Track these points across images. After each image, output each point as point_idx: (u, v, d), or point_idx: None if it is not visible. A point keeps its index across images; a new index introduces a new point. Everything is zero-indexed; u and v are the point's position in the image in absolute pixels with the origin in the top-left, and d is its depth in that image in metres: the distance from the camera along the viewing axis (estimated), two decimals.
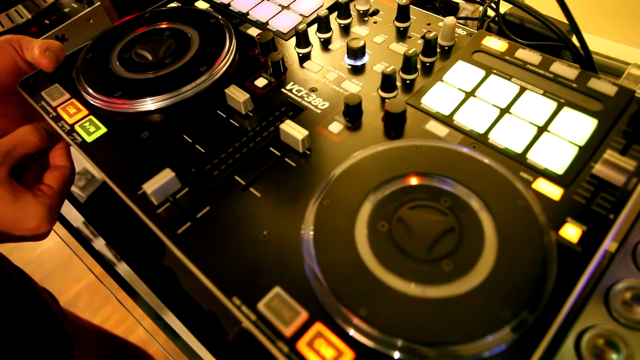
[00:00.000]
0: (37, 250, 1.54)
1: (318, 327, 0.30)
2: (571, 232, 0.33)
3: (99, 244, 0.61)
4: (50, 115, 0.46)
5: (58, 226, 0.64)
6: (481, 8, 0.60)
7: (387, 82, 0.44)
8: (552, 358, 0.29)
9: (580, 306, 0.31)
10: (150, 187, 0.37)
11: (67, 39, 0.66)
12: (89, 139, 0.43)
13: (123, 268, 0.57)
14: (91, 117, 0.45)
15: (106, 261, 0.59)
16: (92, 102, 0.46)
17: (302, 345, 0.29)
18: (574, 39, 0.48)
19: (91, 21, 0.68)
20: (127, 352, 0.84)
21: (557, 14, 0.47)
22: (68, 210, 0.64)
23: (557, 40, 0.52)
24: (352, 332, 0.29)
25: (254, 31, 0.54)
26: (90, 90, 0.46)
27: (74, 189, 0.66)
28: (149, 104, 0.45)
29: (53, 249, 1.54)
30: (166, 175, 0.37)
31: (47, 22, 0.66)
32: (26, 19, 0.66)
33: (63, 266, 1.51)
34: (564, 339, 0.30)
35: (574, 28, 0.45)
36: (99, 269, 0.59)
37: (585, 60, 0.47)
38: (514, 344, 0.28)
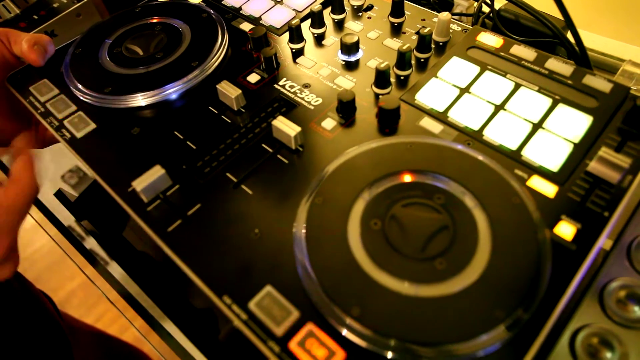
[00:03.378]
0: (30, 248, 1.53)
1: (310, 326, 0.29)
2: (566, 230, 0.32)
3: (91, 243, 0.60)
4: (39, 111, 0.45)
5: (49, 225, 0.63)
6: (476, 4, 0.59)
7: (381, 78, 0.43)
8: (546, 357, 0.29)
9: (575, 305, 0.31)
10: (140, 184, 0.36)
11: (56, 34, 0.65)
12: (79, 135, 0.43)
13: (115, 268, 0.56)
14: (80, 112, 0.45)
15: (98, 261, 0.58)
16: (81, 97, 0.46)
17: (293, 345, 0.29)
18: (569, 35, 0.47)
19: (81, 16, 0.67)
20: (123, 351, 0.84)
21: (551, 10, 0.47)
22: (59, 208, 0.63)
23: (552, 36, 0.51)
24: (344, 331, 0.29)
25: (246, 26, 0.53)
26: (80, 86, 0.46)
27: (65, 187, 0.65)
28: (140, 100, 0.45)
29: (46, 247, 1.53)
30: (156, 172, 0.37)
31: (35, 17, 0.65)
32: (14, 14, 0.65)
33: (56, 264, 1.49)
34: (558, 337, 0.30)
35: (570, 24, 0.45)
36: (90, 268, 0.58)
37: (580, 57, 0.47)
38: (508, 342, 0.28)
